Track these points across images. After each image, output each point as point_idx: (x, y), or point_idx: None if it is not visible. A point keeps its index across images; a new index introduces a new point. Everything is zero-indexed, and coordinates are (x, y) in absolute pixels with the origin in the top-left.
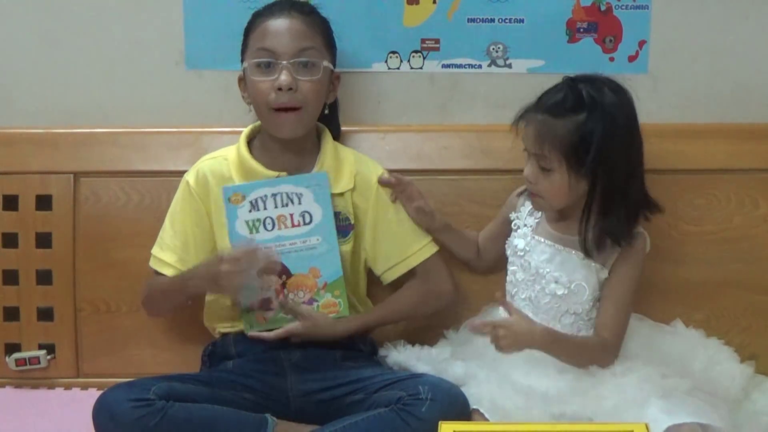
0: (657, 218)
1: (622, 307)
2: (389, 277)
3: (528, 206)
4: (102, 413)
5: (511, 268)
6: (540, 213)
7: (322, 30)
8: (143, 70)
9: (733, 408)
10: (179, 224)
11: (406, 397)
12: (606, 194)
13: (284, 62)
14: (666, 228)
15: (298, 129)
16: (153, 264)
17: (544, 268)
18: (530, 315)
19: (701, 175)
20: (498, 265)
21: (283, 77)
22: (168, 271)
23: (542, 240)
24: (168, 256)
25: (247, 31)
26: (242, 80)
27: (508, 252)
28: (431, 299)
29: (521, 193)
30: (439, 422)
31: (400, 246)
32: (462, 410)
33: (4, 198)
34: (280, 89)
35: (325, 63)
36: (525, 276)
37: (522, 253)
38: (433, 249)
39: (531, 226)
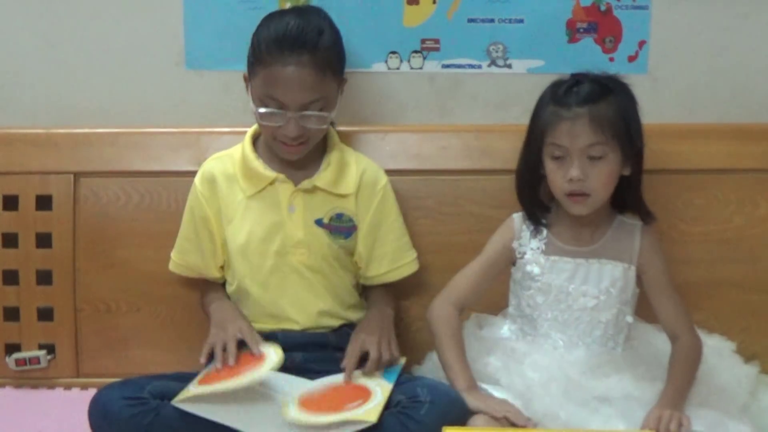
0: (657, 218)
1: (675, 296)
2: (376, 281)
3: (529, 230)
4: (96, 411)
5: (526, 293)
6: (544, 233)
7: (332, 63)
8: (143, 70)
9: (741, 411)
10: (185, 227)
11: (405, 400)
12: (637, 174)
13: (292, 114)
14: (666, 228)
15: (301, 156)
16: (171, 267)
17: (569, 286)
18: (558, 334)
19: (701, 175)
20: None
21: (291, 130)
22: (184, 272)
23: (558, 258)
24: (177, 256)
25: (256, 51)
26: (247, 80)
27: (518, 278)
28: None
29: (532, 216)
30: (443, 428)
31: (394, 255)
32: (461, 413)
33: (4, 198)
34: (286, 136)
35: (333, 114)
36: (546, 298)
37: (538, 277)
38: (417, 266)
39: (540, 249)
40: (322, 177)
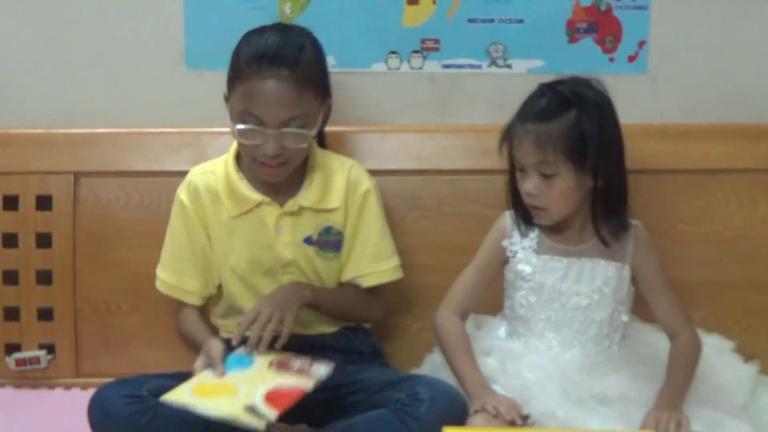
0: (657, 218)
1: (671, 294)
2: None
3: (519, 229)
4: (95, 409)
5: (519, 293)
6: (536, 232)
7: (313, 79)
8: (143, 70)
9: (740, 411)
10: (179, 247)
11: (405, 397)
12: (611, 186)
13: (271, 131)
14: (666, 228)
15: (281, 178)
16: (159, 285)
17: (561, 285)
18: (552, 334)
19: (701, 175)
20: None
21: (270, 148)
22: (172, 292)
23: (550, 258)
24: (170, 277)
25: (235, 66)
26: (227, 99)
27: (510, 278)
28: (365, 315)
29: (523, 218)
30: (443, 428)
31: (373, 257)
32: (461, 411)
33: (4, 198)
34: (265, 154)
35: (313, 131)
36: (539, 298)
37: (530, 277)
38: (399, 274)
39: (531, 248)
40: (307, 196)
